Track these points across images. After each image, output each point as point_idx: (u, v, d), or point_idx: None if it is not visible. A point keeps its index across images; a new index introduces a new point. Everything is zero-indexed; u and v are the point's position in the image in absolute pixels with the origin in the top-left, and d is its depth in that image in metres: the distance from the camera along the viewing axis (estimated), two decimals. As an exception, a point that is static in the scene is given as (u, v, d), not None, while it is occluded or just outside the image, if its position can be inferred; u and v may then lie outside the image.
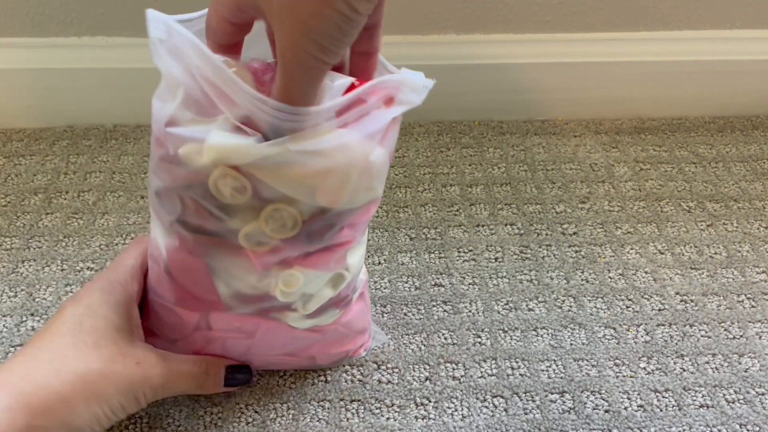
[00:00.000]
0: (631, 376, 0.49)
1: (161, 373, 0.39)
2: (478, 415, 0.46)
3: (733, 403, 0.47)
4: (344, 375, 0.48)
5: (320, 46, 0.29)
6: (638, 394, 0.47)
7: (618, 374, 0.49)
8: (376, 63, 0.38)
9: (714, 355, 0.50)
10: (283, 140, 0.32)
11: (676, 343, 0.51)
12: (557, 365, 0.49)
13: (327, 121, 0.33)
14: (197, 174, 0.33)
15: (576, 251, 0.58)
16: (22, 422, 0.34)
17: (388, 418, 0.46)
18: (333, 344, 0.46)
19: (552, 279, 0.55)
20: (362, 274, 0.45)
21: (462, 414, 0.46)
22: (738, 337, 0.51)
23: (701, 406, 0.47)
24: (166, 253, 0.39)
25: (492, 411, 0.46)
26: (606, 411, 0.46)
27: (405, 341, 0.50)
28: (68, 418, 0.36)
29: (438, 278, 0.55)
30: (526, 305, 0.53)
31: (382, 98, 0.35)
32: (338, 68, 0.37)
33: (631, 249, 0.58)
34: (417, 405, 0.46)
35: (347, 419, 0.46)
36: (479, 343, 0.50)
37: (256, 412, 0.46)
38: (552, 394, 0.47)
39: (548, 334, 0.51)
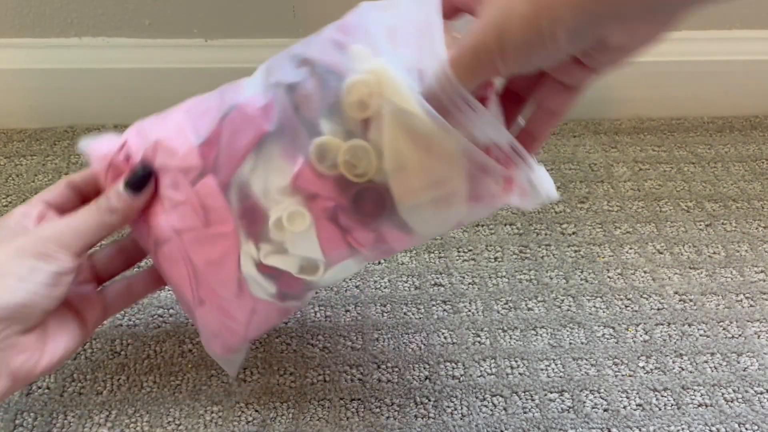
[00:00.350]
0: (629, 375, 0.49)
1: (54, 227, 0.38)
2: (478, 414, 0.46)
3: (731, 402, 0.47)
4: (344, 374, 0.48)
5: (501, 47, 0.29)
6: (637, 393, 0.48)
7: (617, 373, 0.49)
8: (551, 129, 0.37)
9: (713, 354, 0.50)
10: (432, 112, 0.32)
11: (675, 343, 0.51)
12: (556, 364, 0.49)
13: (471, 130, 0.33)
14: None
15: (575, 251, 0.58)
16: None
17: (387, 418, 0.46)
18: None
19: (551, 278, 0.55)
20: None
21: (461, 413, 0.46)
22: (736, 336, 0.52)
23: (700, 405, 0.47)
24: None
25: (491, 410, 0.46)
26: (605, 410, 0.47)
27: (405, 341, 0.51)
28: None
29: (438, 278, 0.55)
30: (526, 305, 0.53)
31: (505, 175, 0.34)
32: (482, 99, 0.35)
33: (630, 249, 0.58)
34: (417, 404, 0.47)
35: (347, 418, 0.46)
36: (479, 342, 0.51)
37: (256, 411, 0.46)
38: (551, 393, 0.47)
39: (547, 334, 0.51)
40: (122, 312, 0.52)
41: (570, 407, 0.47)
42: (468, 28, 0.32)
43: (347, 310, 0.52)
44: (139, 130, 0.41)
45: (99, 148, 0.41)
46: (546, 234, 0.59)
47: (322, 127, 0.35)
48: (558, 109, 0.35)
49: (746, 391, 0.48)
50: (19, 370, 0.36)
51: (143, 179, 0.39)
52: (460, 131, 0.32)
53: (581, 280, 0.55)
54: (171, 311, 0.52)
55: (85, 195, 0.41)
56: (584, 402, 0.47)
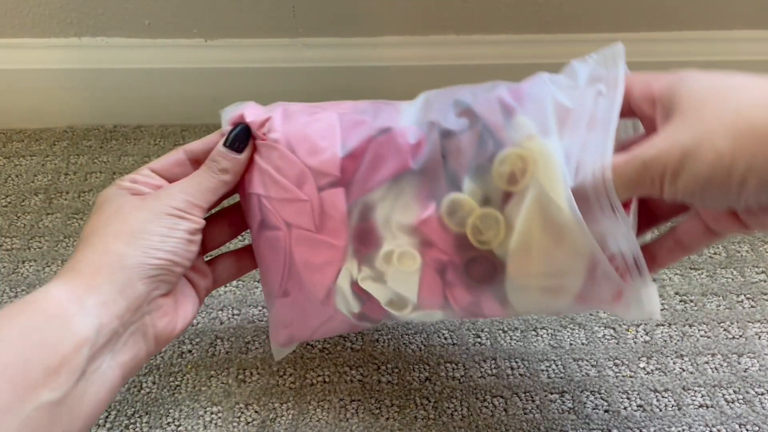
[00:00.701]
0: (630, 376, 0.49)
1: (176, 190, 0.38)
2: (478, 415, 0.46)
3: (732, 402, 0.47)
4: (344, 375, 0.48)
5: (679, 174, 0.30)
6: (638, 394, 0.48)
7: (617, 374, 0.49)
8: (676, 260, 0.37)
9: (713, 355, 0.50)
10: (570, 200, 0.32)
11: (676, 343, 0.51)
12: (557, 365, 0.49)
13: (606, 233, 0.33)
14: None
15: (575, 251, 0.58)
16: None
17: (387, 419, 0.46)
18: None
19: (552, 279, 0.55)
20: None
21: (462, 414, 0.46)
22: (737, 337, 0.51)
23: (700, 405, 0.47)
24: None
25: (491, 411, 0.46)
26: (605, 411, 0.47)
27: (405, 341, 0.50)
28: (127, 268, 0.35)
29: (438, 278, 0.55)
30: (526, 305, 0.53)
31: (621, 287, 0.35)
32: (625, 206, 0.35)
33: (631, 249, 0.58)
34: (417, 405, 0.47)
35: (347, 419, 0.46)
36: (479, 343, 0.50)
37: (256, 412, 0.46)
38: (551, 394, 0.47)
39: (548, 334, 0.51)
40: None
41: (570, 408, 0.47)
42: (645, 139, 0.32)
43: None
44: (286, 113, 0.41)
45: (244, 116, 0.40)
46: (546, 234, 0.59)
47: (465, 183, 0.36)
48: (691, 246, 0.36)
49: (747, 392, 0.48)
50: (161, 333, 0.37)
51: (242, 138, 0.40)
52: (594, 232, 0.33)
53: (582, 280, 0.55)
54: (171, 312, 0.52)
55: (200, 163, 0.41)
56: (585, 403, 0.47)
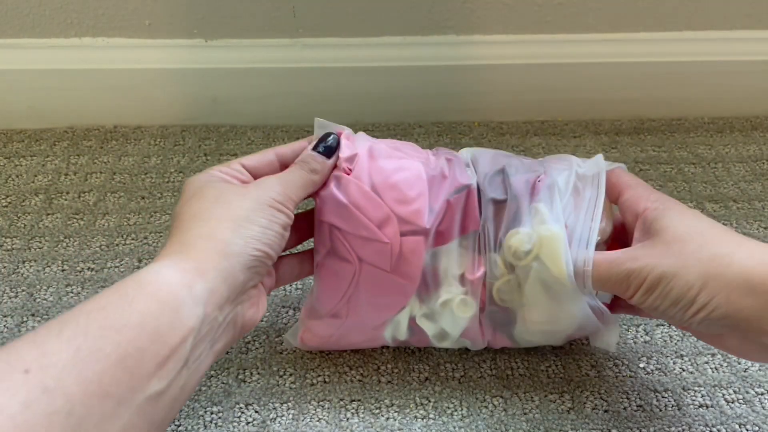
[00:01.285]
0: (630, 376, 0.49)
1: (274, 182, 0.39)
2: (478, 415, 0.46)
3: (732, 402, 0.47)
4: (344, 375, 0.48)
5: (657, 296, 0.38)
6: (637, 394, 0.48)
7: (617, 374, 0.49)
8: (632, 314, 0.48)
9: (713, 355, 0.50)
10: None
11: (676, 343, 0.51)
12: (557, 365, 0.49)
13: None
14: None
15: (575, 251, 0.58)
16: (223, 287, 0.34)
17: (387, 418, 0.46)
18: None
19: (551, 279, 0.55)
20: None
21: (462, 414, 0.46)
22: (737, 337, 0.51)
23: (700, 406, 0.47)
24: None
25: (491, 411, 0.46)
26: (605, 411, 0.47)
27: (405, 341, 0.51)
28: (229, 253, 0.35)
29: (438, 278, 0.55)
30: (526, 305, 0.53)
31: (597, 329, 0.46)
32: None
33: (631, 249, 0.58)
34: (417, 405, 0.47)
35: (347, 419, 0.46)
36: (479, 343, 0.50)
37: (256, 412, 0.46)
38: (551, 394, 0.47)
39: (548, 335, 0.51)
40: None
41: (570, 408, 0.47)
42: (635, 251, 0.39)
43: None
44: (372, 153, 0.44)
45: (341, 134, 0.44)
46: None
47: (501, 247, 0.42)
48: (640, 312, 0.44)
49: (747, 392, 0.48)
50: (248, 322, 0.38)
51: (333, 145, 0.43)
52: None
53: (581, 280, 0.55)
54: (171, 312, 0.52)
55: (286, 166, 0.43)
56: (585, 403, 0.47)
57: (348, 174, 0.42)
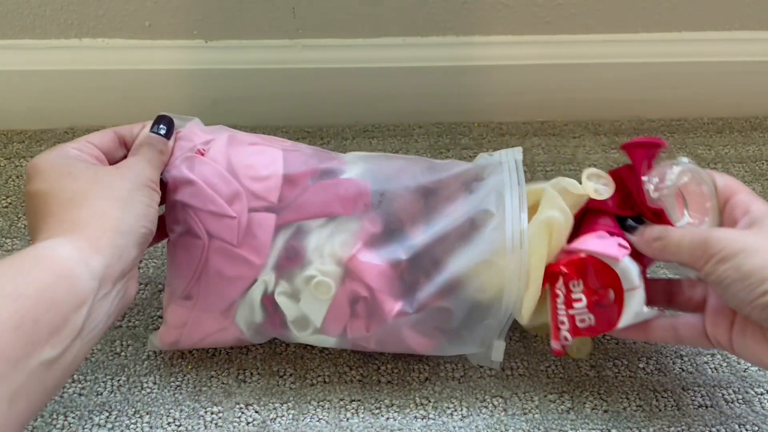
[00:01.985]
0: (630, 377, 0.49)
1: (136, 161, 0.41)
2: (478, 415, 0.46)
3: (731, 402, 0.47)
4: (344, 375, 0.48)
5: (713, 254, 0.38)
6: (637, 394, 0.48)
7: (617, 374, 0.49)
8: (666, 340, 0.45)
9: (713, 355, 0.50)
10: None
11: (675, 344, 0.51)
12: (556, 365, 0.49)
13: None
14: None
15: (575, 252, 0.58)
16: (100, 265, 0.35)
17: (387, 419, 0.46)
18: None
19: (551, 279, 0.55)
20: None
21: (461, 414, 0.46)
22: (737, 337, 0.51)
23: (700, 405, 0.47)
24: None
25: (491, 411, 0.46)
26: (605, 411, 0.47)
27: (405, 341, 0.51)
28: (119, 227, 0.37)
29: (438, 279, 0.55)
30: (526, 306, 0.53)
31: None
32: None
33: (631, 249, 0.58)
34: (417, 405, 0.47)
35: (347, 419, 0.46)
36: (479, 343, 0.51)
37: (256, 412, 0.46)
38: (551, 394, 0.47)
39: (547, 335, 0.51)
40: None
41: (570, 408, 0.47)
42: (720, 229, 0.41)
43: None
44: (232, 140, 0.46)
45: (189, 136, 0.46)
46: (546, 235, 0.59)
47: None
48: (681, 338, 0.44)
49: (746, 392, 0.48)
50: (130, 296, 0.38)
51: (168, 126, 0.45)
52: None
53: (581, 280, 0.55)
54: (171, 312, 0.52)
55: (126, 146, 0.44)
56: (584, 403, 0.47)
57: (202, 155, 0.44)
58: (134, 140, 0.44)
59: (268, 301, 0.44)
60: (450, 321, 0.44)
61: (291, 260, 0.43)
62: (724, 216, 0.43)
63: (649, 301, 0.43)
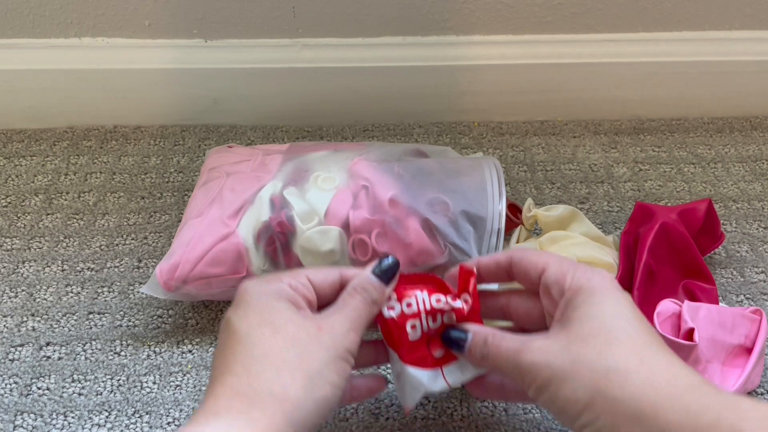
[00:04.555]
0: (630, 376, 0.49)
1: (342, 322, 0.36)
2: (478, 416, 0.46)
3: (732, 402, 0.47)
4: (344, 375, 0.48)
5: (530, 382, 0.35)
6: (637, 394, 0.48)
7: (617, 374, 0.49)
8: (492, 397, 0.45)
9: (713, 355, 0.50)
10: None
11: (675, 343, 0.51)
12: (556, 365, 0.49)
13: None
14: None
15: (575, 251, 0.58)
16: None
17: (387, 419, 0.46)
18: None
19: (551, 279, 0.55)
20: None
21: (461, 414, 0.46)
22: (737, 337, 0.51)
23: (700, 405, 0.47)
24: None
25: (491, 411, 0.46)
26: (605, 411, 0.47)
27: (405, 341, 0.50)
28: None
29: (438, 278, 0.55)
30: (526, 305, 0.53)
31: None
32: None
33: (631, 249, 0.58)
34: (416, 405, 0.47)
35: (347, 419, 0.46)
36: (479, 343, 0.50)
37: (256, 412, 0.46)
38: (551, 394, 0.47)
39: (547, 334, 0.51)
40: (122, 313, 0.52)
41: (570, 408, 0.47)
42: (536, 340, 0.36)
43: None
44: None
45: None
46: (546, 234, 0.59)
47: None
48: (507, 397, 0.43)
49: (746, 393, 0.48)
50: None
51: (393, 269, 0.39)
52: None
53: (581, 280, 0.55)
54: (170, 312, 0.52)
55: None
56: (584, 403, 0.47)
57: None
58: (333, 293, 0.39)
59: (276, 200, 0.49)
60: (448, 212, 0.47)
61: (298, 179, 0.50)
62: (542, 296, 0.38)
63: (487, 318, 0.41)
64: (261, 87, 0.68)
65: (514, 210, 0.55)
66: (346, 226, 0.48)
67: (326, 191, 0.49)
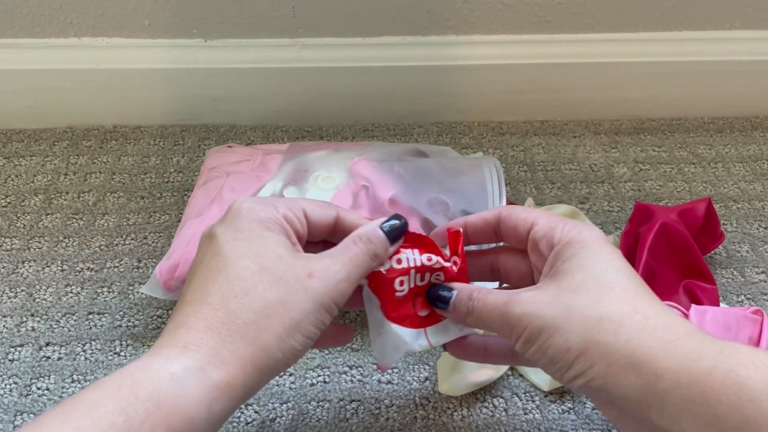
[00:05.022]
0: (630, 376, 0.49)
1: (338, 271, 0.34)
2: (478, 416, 0.46)
3: (732, 403, 0.47)
4: (344, 375, 0.48)
5: (519, 334, 0.34)
6: (638, 394, 0.47)
7: (617, 374, 0.49)
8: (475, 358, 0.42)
9: (713, 355, 0.50)
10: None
11: (676, 343, 0.51)
12: (557, 365, 0.49)
13: None
14: None
15: (575, 251, 0.58)
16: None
17: (387, 419, 0.46)
18: None
19: (551, 279, 0.55)
20: None
21: (462, 414, 0.46)
22: (737, 337, 0.51)
23: (700, 406, 0.47)
24: None
25: (492, 411, 0.46)
26: (605, 411, 0.46)
27: (405, 341, 0.50)
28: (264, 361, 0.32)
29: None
30: (526, 305, 0.53)
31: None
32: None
33: (631, 249, 0.58)
34: (416, 405, 0.47)
35: (347, 419, 0.46)
36: (479, 343, 0.50)
37: (256, 412, 0.46)
38: (551, 394, 0.47)
39: (548, 335, 0.51)
40: (122, 313, 0.52)
41: (570, 408, 0.47)
42: (525, 293, 0.35)
43: (347, 311, 0.52)
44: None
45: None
46: (546, 234, 0.59)
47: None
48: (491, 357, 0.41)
49: (747, 392, 0.48)
50: None
51: (401, 230, 0.37)
52: None
53: (581, 280, 0.55)
54: (170, 312, 0.52)
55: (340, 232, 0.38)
56: (585, 404, 0.47)
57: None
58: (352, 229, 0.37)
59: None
60: (448, 212, 0.48)
61: (298, 179, 0.51)
62: (531, 252, 0.37)
63: (476, 278, 0.40)
64: (261, 87, 0.68)
65: None
66: None
67: (326, 191, 0.50)
